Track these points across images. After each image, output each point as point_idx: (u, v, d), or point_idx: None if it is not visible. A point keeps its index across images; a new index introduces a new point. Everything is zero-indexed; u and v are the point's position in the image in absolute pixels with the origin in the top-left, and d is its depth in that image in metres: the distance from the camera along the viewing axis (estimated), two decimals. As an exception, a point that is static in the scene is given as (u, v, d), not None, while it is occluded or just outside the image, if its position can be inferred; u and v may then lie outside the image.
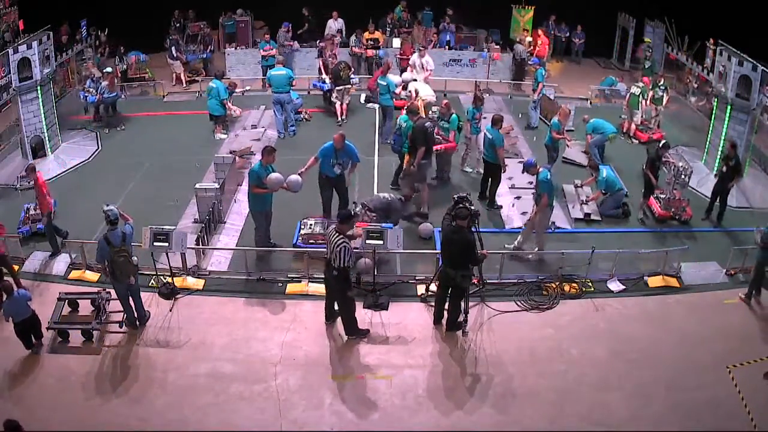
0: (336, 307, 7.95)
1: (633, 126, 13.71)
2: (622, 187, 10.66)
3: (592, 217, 10.62)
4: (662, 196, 10.58)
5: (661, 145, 10.49)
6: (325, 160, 9.49)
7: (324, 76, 14.75)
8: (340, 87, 13.93)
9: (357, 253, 8.82)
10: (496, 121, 10.50)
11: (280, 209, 9.54)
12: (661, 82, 13.97)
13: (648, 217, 10.49)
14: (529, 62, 16.28)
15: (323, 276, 7.91)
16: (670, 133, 13.81)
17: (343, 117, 14.14)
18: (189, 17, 18.02)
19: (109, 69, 14.13)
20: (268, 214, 9.26)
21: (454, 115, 11.28)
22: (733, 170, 10.28)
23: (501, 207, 10.71)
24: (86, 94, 13.92)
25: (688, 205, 10.40)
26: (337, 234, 7.46)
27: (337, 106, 14.14)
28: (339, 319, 7.97)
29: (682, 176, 10.43)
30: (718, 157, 11.55)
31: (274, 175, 8.93)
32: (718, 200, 10.46)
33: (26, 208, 10.00)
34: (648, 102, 13.72)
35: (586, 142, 12.51)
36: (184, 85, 16.54)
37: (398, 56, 16.32)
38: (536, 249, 9.42)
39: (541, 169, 9.20)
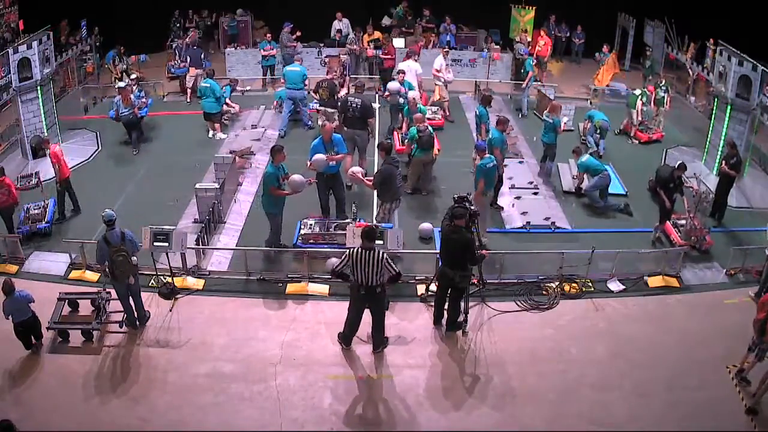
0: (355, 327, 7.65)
1: (633, 127, 13.76)
2: (603, 169, 10.82)
3: (583, 191, 11.09)
4: (681, 222, 9.76)
5: (677, 165, 9.84)
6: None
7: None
8: (320, 108, 12.78)
9: (327, 253, 8.95)
10: (501, 122, 10.32)
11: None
12: (662, 83, 13.98)
13: (662, 244, 9.84)
14: (520, 51, 16.26)
15: (356, 300, 7.35)
16: (670, 133, 13.85)
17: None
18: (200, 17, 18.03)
19: (121, 84, 13.17)
20: (281, 216, 9.25)
21: (412, 128, 10.91)
22: (733, 167, 10.27)
23: (502, 208, 10.70)
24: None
25: (709, 233, 9.57)
26: (368, 251, 7.02)
27: None
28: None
29: (704, 203, 9.70)
30: (718, 157, 11.55)
31: (297, 177, 8.94)
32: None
33: (26, 208, 10.00)
34: (651, 104, 13.83)
35: (583, 128, 13.31)
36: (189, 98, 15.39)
37: (381, 56, 16.19)
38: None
39: (486, 155, 9.40)
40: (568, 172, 11.91)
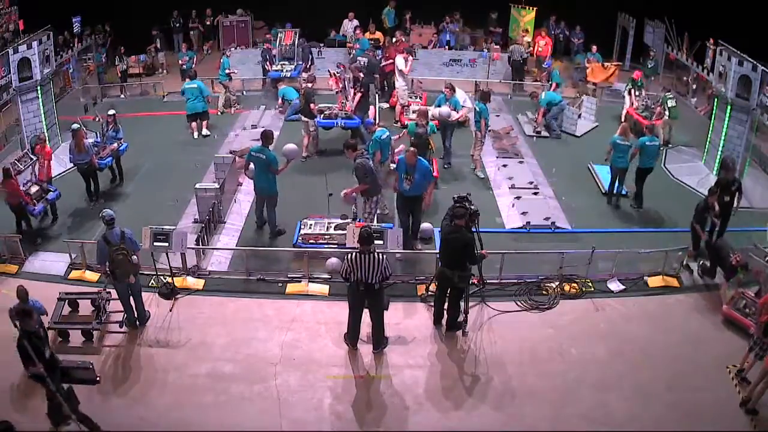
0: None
1: (623, 111, 14.09)
2: (560, 100, 13.55)
3: (542, 134, 13.55)
4: (742, 300, 8.22)
5: (708, 191, 9.22)
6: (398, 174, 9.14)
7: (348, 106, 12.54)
8: (305, 119, 12.21)
9: (327, 253, 8.98)
10: (485, 96, 11.77)
11: (280, 209, 9.56)
12: (670, 94, 13.65)
13: (690, 272, 9.16)
14: (544, 65, 16.39)
15: (355, 298, 7.37)
16: (670, 132, 13.81)
17: (305, 154, 12.19)
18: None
19: (75, 126, 10.53)
20: None
21: (411, 123, 11.13)
22: (735, 194, 9.53)
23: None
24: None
25: None
26: (366, 255, 7.05)
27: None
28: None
29: None
30: (718, 156, 11.55)
31: (291, 145, 9.75)
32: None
33: (23, 186, 9.70)
34: (666, 116, 13.35)
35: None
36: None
37: (384, 60, 15.99)
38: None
39: (377, 128, 10.48)
40: (527, 120, 14.30)
